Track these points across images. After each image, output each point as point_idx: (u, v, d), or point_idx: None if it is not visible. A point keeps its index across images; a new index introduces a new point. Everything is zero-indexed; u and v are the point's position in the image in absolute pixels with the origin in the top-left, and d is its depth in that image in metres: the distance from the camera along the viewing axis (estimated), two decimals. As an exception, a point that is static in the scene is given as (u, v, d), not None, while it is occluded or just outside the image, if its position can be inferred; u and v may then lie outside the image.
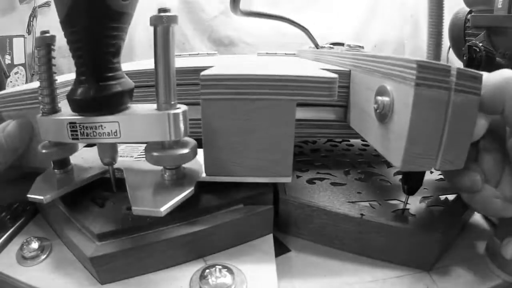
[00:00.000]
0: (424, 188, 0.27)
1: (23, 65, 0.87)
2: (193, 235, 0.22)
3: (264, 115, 0.23)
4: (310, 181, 0.28)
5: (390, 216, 0.24)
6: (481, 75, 0.19)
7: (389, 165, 0.32)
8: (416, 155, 0.20)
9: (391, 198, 0.26)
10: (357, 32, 0.93)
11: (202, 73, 0.23)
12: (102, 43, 0.20)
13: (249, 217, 0.24)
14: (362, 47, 0.44)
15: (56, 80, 0.23)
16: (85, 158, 0.29)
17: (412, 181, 0.24)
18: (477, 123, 0.20)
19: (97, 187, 0.26)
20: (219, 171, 0.24)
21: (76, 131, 0.22)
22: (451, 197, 0.27)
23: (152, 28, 0.20)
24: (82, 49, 0.20)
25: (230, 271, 0.21)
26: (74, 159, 0.27)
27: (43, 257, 0.24)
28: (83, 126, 0.22)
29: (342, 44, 0.50)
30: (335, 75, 0.23)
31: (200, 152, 0.24)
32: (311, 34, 0.52)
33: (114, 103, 0.21)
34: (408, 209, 0.25)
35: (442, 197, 0.27)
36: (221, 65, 0.32)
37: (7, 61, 0.84)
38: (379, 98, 0.22)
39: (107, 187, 0.26)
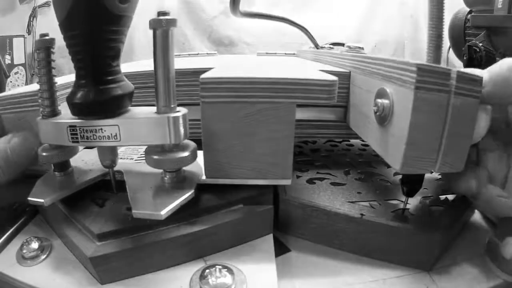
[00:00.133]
0: (424, 188, 0.27)
1: (23, 65, 0.87)
2: (193, 235, 0.22)
3: (264, 117, 0.23)
4: (310, 181, 0.29)
5: (390, 216, 0.24)
6: (481, 78, 0.19)
7: (389, 165, 0.32)
8: (416, 158, 0.20)
9: (391, 198, 0.26)
10: (357, 32, 0.93)
11: (202, 76, 0.23)
12: (102, 47, 0.20)
13: (249, 217, 0.24)
14: (362, 48, 0.44)
15: (56, 82, 0.23)
16: (86, 160, 0.29)
17: (411, 183, 0.24)
18: (478, 124, 0.20)
19: (98, 188, 0.26)
20: (219, 173, 0.24)
21: (76, 134, 0.22)
22: (451, 197, 0.27)
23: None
24: (82, 53, 0.20)
25: (230, 271, 0.21)
26: (75, 161, 0.27)
27: (43, 257, 0.24)
28: (83, 130, 0.22)
29: (342, 45, 0.50)
30: (335, 78, 0.23)
31: (200, 154, 0.24)
32: (310, 35, 0.52)
33: (114, 106, 0.21)
34: (408, 209, 0.25)
35: (442, 197, 0.27)
36: (221, 66, 0.32)
37: (7, 61, 0.84)
38: (379, 100, 0.22)
39: (107, 188, 0.26)
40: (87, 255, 0.20)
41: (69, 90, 0.22)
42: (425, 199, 0.26)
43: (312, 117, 0.32)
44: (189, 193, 0.22)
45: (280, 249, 0.25)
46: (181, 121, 0.21)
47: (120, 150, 0.31)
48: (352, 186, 0.28)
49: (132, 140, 0.21)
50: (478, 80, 0.19)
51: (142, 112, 0.22)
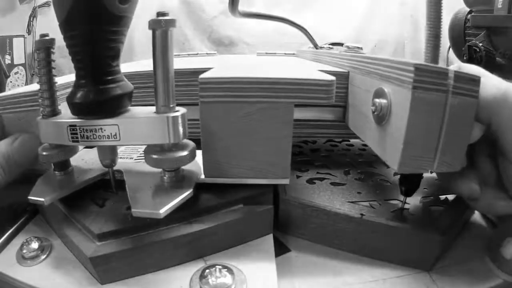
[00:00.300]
0: (424, 188, 0.27)
1: (23, 65, 0.87)
2: (193, 235, 0.22)
3: (262, 117, 0.23)
4: (310, 181, 0.29)
5: (390, 216, 0.24)
6: (479, 77, 0.19)
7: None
8: (413, 157, 0.20)
9: (391, 198, 0.26)
10: (357, 32, 0.93)
11: (201, 76, 0.23)
12: (101, 47, 0.20)
13: (249, 217, 0.24)
14: (361, 48, 0.44)
15: (56, 82, 0.23)
16: (86, 160, 0.29)
17: (409, 183, 0.24)
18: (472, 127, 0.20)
19: (97, 188, 0.26)
20: (218, 173, 0.24)
21: (76, 133, 0.22)
22: (451, 197, 0.27)
23: (151, 29, 0.20)
24: (81, 53, 0.20)
25: (230, 271, 0.21)
26: (75, 161, 0.27)
27: (43, 257, 0.24)
28: (83, 129, 0.22)
29: (341, 45, 0.50)
30: (332, 78, 0.23)
31: (199, 153, 0.24)
32: (310, 35, 0.52)
33: (113, 106, 0.21)
34: (408, 209, 0.25)
35: (442, 197, 0.27)
36: (220, 66, 0.32)
37: (7, 61, 0.84)
38: (377, 100, 0.22)
39: (107, 188, 0.26)
40: (87, 255, 0.20)
41: (69, 90, 0.22)
42: (425, 199, 0.26)
43: (311, 117, 0.32)
44: (188, 192, 0.22)
45: (280, 249, 0.25)
46: (180, 120, 0.21)
47: (120, 150, 0.31)
48: (352, 186, 0.28)
49: (132, 139, 0.22)
50: (476, 80, 0.19)
51: (141, 111, 0.22)
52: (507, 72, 0.52)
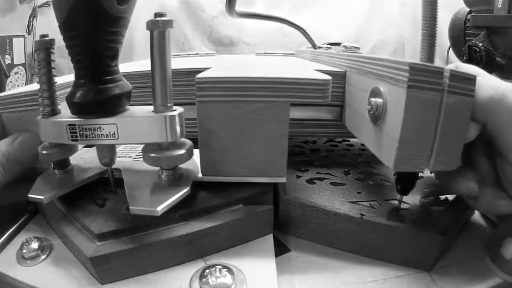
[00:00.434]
0: (424, 188, 0.27)
1: (23, 65, 0.87)
2: (193, 235, 0.22)
3: (259, 116, 0.23)
4: (310, 181, 0.29)
5: (390, 216, 0.24)
6: (475, 76, 0.19)
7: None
8: (409, 156, 0.20)
9: (391, 198, 0.26)
10: (357, 32, 0.93)
11: (198, 76, 0.23)
12: (100, 47, 0.21)
13: (249, 217, 0.24)
14: (358, 48, 0.45)
15: (56, 82, 0.24)
16: (85, 158, 0.29)
17: (405, 182, 0.24)
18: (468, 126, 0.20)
19: (97, 187, 0.26)
20: (215, 171, 0.25)
21: (76, 132, 0.22)
22: (451, 197, 0.27)
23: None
24: (81, 53, 0.21)
25: (230, 271, 0.21)
26: (74, 159, 0.27)
27: (43, 257, 0.24)
28: (82, 128, 0.22)
29: (339, 44, 0.50)
30: (328, 77, 0.23)
31: (196, 152, 0.24)
32: (308, 35, 0.52)
33: (112, 105, 0.22)
34: (406, 209, 0.25)
35: (442, 197, 0.27)
36: (218, 66, 0.32)
37: (7, 61, 0.84)
38: (373, 99, 0.22)
39: (107, 188, 0.26)
40: (87, 255, 0.20)
41: (68, 89, 0.22)
42: (425, 199, 0.26)
43: (309, 116, 0.32)
44: (185, 190, 0.22)
45: (280, 249, 0.25)
46: (177, 120, 0.21)
47: (119, 149, 0.31)
48: (352, 186, 0.28)
49: (130, 138, 0.22)
50: (471, 79, 0.19)
51: (139, 111, 0.22)
52: (507, 72, 0.52)
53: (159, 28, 0.20)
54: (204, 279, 0.20)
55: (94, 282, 0.21)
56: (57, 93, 0.24)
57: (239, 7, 0.40)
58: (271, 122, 0.23)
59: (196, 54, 0.61)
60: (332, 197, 0.26)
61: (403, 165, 0.20)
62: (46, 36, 0.23)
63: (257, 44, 0.90)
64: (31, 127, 0.27)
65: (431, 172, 0.28)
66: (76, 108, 0.22)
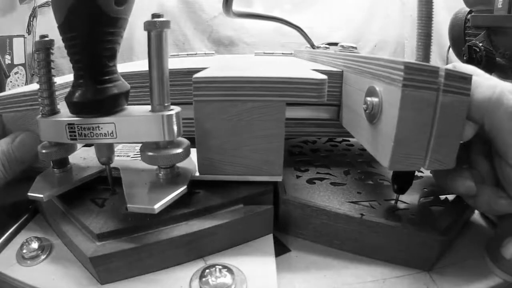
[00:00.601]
0: (424, 188, 0.27)
1: (23, 65, 0.87)
2: (193, 235, 0.22)
3: (255, 116, 0.23)
4: (310, 181, 0.29)
5: (390, 216, 0.24)
6: (470, 75, 0.19)
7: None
8: (404, 155, 0.20)
9: (391, 198, 0.26)
10: (357, 32, 0.93)
11: (195, 75, 0.24)
12: (99, 48, 0.21)
13: (249, 217, 0.24)
14: (355, 48, 0.45)
15: (55, 82, 0.24)
16: (84, 157, 0.29)
17: (401, 181, 0.24)
18: (465, 126, 0.20)
19: (97, 187, 0.26)
20: (212, 170, 0.25)
21: (74, 132, 0.22)
22: (451, 197, 0.27)
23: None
24: (79, 53, 0.21)
25: (230, 271, 0.21)
26: (73, 158, 0.27)
27: (43, 257, 0.24)
28: (81, 127, 0.22)
29: (337, 44, 0.50)
30: (324, 77, 0.23)
31: (194, 151, 0.25)
32: (306, 34, 0.52)
33: (110, 105, 0.22)
34: (407, 209, 0.25)
35: (442, 197, 0.27)
36: (216, 66, 0.32)
37: (7, 61, 0.84)
38: (368, 98, 0.22)
39: (107, 188, 0.26)
40: (87, 255, 0.20)
41: (67, 89, 0.22)
42: (425, 199, 0.26)
43: (307, 116, 0.32)
44: (182, 188, 0.22)
45: (280, 249, 0.25)
46: (174, 119, 0.22)
47: (117, 148, 0.32)
48: (352, 186, 0.28)
49: (128, 137, 0.22)
50: (467, 78, 0.19)
51: (137, 110, 0.23)
52: (507, 72, 0.52)
53: (156, 28, 0.20)
54: (204, 279, 0.20)
55: (94, 282, 0.21)
56: (57, 93, 0.24)
57: (238, 7, 0.40)
58: (267, 121, 0.24)
59: (195, 54, 0.61)
60: (332, 197, 0.26)
61: (399, 164, 0.20)
62: (46, 36, 0.23)
63: (257, 44, 0.90)
64: (30, 126, 0.28)
65: (431, 172, 0.28)
66: (75, 108, 0.22)
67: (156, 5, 0.88)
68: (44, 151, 0.24)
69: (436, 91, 0.19)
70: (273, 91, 0.23)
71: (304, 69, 0.31)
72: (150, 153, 0.22)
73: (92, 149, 0.26)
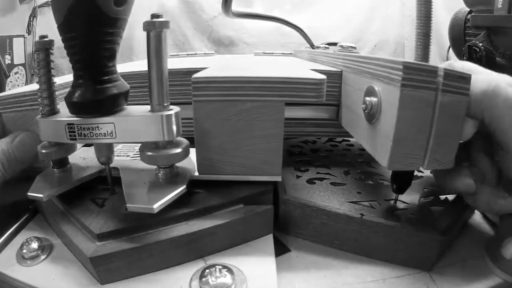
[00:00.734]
0: (424, 188, 0.27)
1: (23, 65, 0.87)
2: (193, 235, 0.22)
3: (254, 115, 0.23)
4: (310, 181, 0.29)
5: (390, 216, 0.24)
6: (469, 75, 0.19)
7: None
8: (403, 155, 0.20)
9: (391, 198, 0.26)
10: (358, 32, 0.93)
11: (194, 76, 0.24)
12: (98, 48, 0.21)
13: (249, 217, 0.24)
14: (355, 48, 0.45)
15: (55, 82, 0.24)
16: (84, 157, 0.29)
17: (400, 180, 0.24)
18: (465, 124, 0.20)
19: (97, 187, 0.26)
20: (211, 170, 0.25)
21: (74, 132, 0.22)
22: (451, 197, 0.27)
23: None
24: (79, 54, 0.21)
25: (230, 271, 0.21)
26: (73, 158, 0.27)
27: (43, 257, 0.24)
28: (81, 127, 0.22)
29: (336, 44, 0.50)
30: (323, 76, 0.23)
31: (193, 151, 0.25)
32: (306, 34, 0.52)
33: (110, 105, 0.22)
34: (407, 209, 0.25)
35: (442, 197, 0.27)
36: (215, 66, 0.32)
37: (7, 61, 0.84)
38: (367, 98, 0.22)
39: (107, 188, 0.26)
40: (87, 255, 0.20)
41: (67, 89, 0.22)
42: (425, 199, 0.26)
43: (306, 116, 0.32)
44: (181, 188, 0.22)
45: (280, 249, 0.25)
46: (173, 119, 0.22)
47: (117, 148, 0.32)
48: (352, 186, 0.28)
49: (127, 137, 0.22)
50: (466, 78, 0.19)
51: (136, 110, 0.23)
52: (507, 72, 0.52)
53: (155, 29, 0.20)
54: (204, 279, 0.20)
55: (94, 282, 0.21)
56: (56, 93, 0.24)
57: (238, 7, 0.40)
58: (266, 121, 0.24)
59: (195, 54, 0.61)
60: (332, 197, 0.26)
61: (398, 164, 0.20)
62: (46, 36, 0.23)
63: (257, 44, 0.90)
64: (30, 126, 0.28)
65: (430, 171, 0.28)
66: (75, 108, 0.22)
67: (156, 5, 0.88)
68: (44, 151, 0.24)
69: (435, 91, 0.19)
70: (272, 91, 0.23)
71: (303, 69, 0.31)
72: (149, 153, 0.22)
73: (91, 149, 0.26)
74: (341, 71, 0.29)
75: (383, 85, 0.21)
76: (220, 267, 0.21)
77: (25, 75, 0.87)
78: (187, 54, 0.60)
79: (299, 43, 0.64)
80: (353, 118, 0.27)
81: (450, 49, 0.70)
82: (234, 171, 0.25)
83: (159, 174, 0.24)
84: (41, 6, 0.87)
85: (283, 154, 0.25)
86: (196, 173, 0.25)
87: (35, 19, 0.87)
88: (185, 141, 0.24)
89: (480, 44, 0.54)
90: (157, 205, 0.20)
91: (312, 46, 0.52)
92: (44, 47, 0.23)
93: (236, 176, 0.25)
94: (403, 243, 0.23)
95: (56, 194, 0.24)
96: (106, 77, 0.22)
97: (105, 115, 0.22)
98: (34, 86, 0.26)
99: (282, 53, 0.61)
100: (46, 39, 0.23)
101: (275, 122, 0.24)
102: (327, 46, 0.50)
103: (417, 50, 0.41)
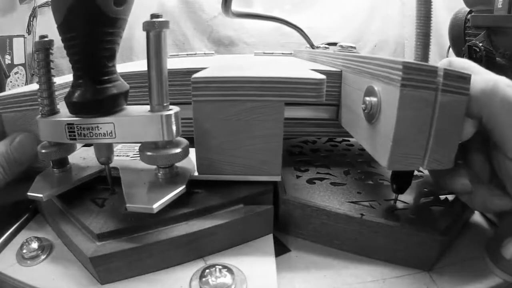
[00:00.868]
0: (424, 188, 0.27)
1: (23, 65, 0.87)
2: (193, 235, 0.22)
3: (253, 115, 0.23)
4: (310, 181, 0.28)
5: (390, 216, 0.24)
6: (469, 75, 0.19)
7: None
8: (403, 155, 0.20)
9: (391, 198, 0.26)
10: (358, 32, 0.93)
11: (193, 76, 0.24)
12: (98, 48, 0.21)
13: (249, 217, 0.24)
14: (354, 47, 0.45)
15: (55, 82, 0.24)
16: (84, 157, 0.29)
17: (400, 180, 0.24)
18: (465, 124, 0.20)
19: (97, 187, 0.26)
20: (211, 170, 0.25)
21: (74, 132, 0.23)
22: (451, 197, 0.27)
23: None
24: (79, 54, 0.21)
25: (230, 271, 0.21)
26: (73, 158, 0.27)
27: (43, 257, 0.24)
28: (80, 127, 0.22)
29: (336, 44, 0.50)
30: (322, 76, 0.23)
31: (193, 151, 0.25)
32: (305, 34, 0.52)
33: (109, 105, 0.22)
34: (407, 209, 0.25)
35: (442, 197, 0.27)
36: (215, 66, 0.32)
37: (7, 61, 0.84)
38: (367, 98, 0.22)
39: (107, 188, 0.26)
40: (87, 255, 0.20)
41: (67, 89, 0.22)
42: (425, 199, 0.26)
43: (306, 116, 0.32)
44: (181, 188, 0.22)
45: (280, 249, 0.25)
46: (173, 119, 0.22)
47: (117, 148, 0.32)
48: (352, 186, 0.28)
49: (127, 137, 0.22)
50: (466, 78, 0.19)
51: (136, 110, 0.23)
52: (507, 72, 0.52)
53: (155, 29, 0.20)
54: (204, 279, 0.20)
55: (94, 282, 0.21)
56: (56, 93, 0.24)
57: (238, 7, 0.40)
58: (266, 121, 0.24)
59: (195, 54, 0.61)
60: (332, 197, 0.26)
61: (398, 164, 0.20)
62: (45, 36, 0.23)
63: (257, 44, 0.90)
64: (29, 126, 0.28)
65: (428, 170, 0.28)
66: (74, 108, 0.22)
67: (156, 5, 0.88)
68: (43, 151, 0.24)
69: (434, 91, 0.19)
70: (271, 91, 0.23)
71: (303, 69, 0.31)
72: (149, 153, 0.22)
73: (91, 149, 0.26)
74: (341, 71, 0.29)
75: (382, 85, 0.21)
76: (220, 267, 0.21)
77: (25, 75, 0.87)
78: (187, 54, 0.61)
79: (299, 43, 0.64)
80: (353, 118, 0.27)
81: (450, 49, 0.70)
82: (233, 171, 0.25)
83: (159, 174, 0.24)
84: (41, 6, 0.87)
85: (283, 154, 0.25)
86: (196, 173, 0.25)
87: (35, 19, 0.87)
88: (184, 141, 0.24)
89: (480, 44, 0.54)
90: (156, 205, 0.20)
91: (312, 46, 0.52)
92: (44, 47, 0.23)
93: (236, 176, 0.25)
94: (403, 243, 0.23)
95: (56, 194, 0.24)
96: (106, 77, 0.22)
97: (105, 115, 0.22)
98: (34, 86, 0.27)
99: (282, 53, 0.61)
100: (46, 39, 0.23)
101: (274, 122, 0.24)
102: (327, 46, 0.50)
103: (416, 50, 0.41)
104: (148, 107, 0.22)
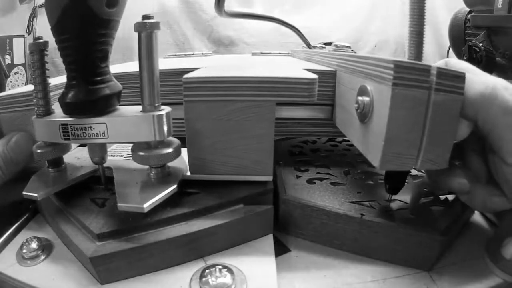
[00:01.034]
0: (424, 189, 0.27)
1: (23, 65, 0.87)
2: (193, 235, 0.22)
3: (245, 115, 0.24)
4: (310, 181, 0.28)
5: (390, 216, 0.24)
6: (464, 74, 0.19)
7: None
8: (395, 155, 0.20)
9: (390, 199, 0.26)
10: (358, 32, 0.93)
11: (185, 76, 0.24)
12: (91, 49, 0.21)
13: (249, 217, 0.24)
14: (349, 47, 0.45)
15: (50, 83, 0.24)
16: (79, 157, 0.30)
17: (393, 181, 0.24)
18: (460, 125, 0.20)
19: (98, 186, 0.27)
20: (203, 169, 0.25)
21: (68, 132, 0.23)
22: (451, 197, 0.27)
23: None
24: (72, 55, 0.21)
25: (230, 271, 0.21)
26: (68, 158, 0.28)
27: (43, 257, 0.24)
28: (74, 127, 0.22)
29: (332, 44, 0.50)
30: (314, 76, 0.23)
31: (185, 151, 0.25)
32: (302, 34, 0.52)
33: (102, 105, 0.22)
34: (407, 209, 0.25)
35: (442, 197, 0.27)
36: (208, 66, 0.32)
37: (7, 61, 0.84)
38: (360, 98, 0.22)
39: (107, 188, 0.26)
40: (87, 255, 0.20)
41: (61, 90, 0.23)
42: (425, 199, 0.26)
43: (303, 115, 0.32)
44: (172, 187, 0.22)
45: (280, 249, 0.25)
46: (164, 119, 0.22)
47: (111, 148, 0.32)
48: (352, 186, 0.28)
49: (119, 137, 0.22)
50: (460, 77, 0.19)
51: (128, 110, 0.23)
52: (507, 72, 0.52)
53: (146, 30, 0.20)
54: (204, 279, 0.20)
55: (94, 282, 0.21)
56: (51, 93, 0.24)
57: (239, 7, 0.40)
58: (257, 121, 0.24)
59: (193, 54, 0.61)
60: (332, 197, 0.26)
61: (390, 163, 0.20)
62: (40, 38, 0.23)
63: (257, 44, 0.91)
64: (28, 126, 0.28)
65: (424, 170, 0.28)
66: (68, 108, 0.22)
67: (156, 5, 0.88)
68: (39, 151, 0.24)
69: (427, 90, 0.19)
70: (263, 91, 0.23)
71: (296, 68, 0.31)
72: (141, 153, 0.22)
73: (86, 149, 0.26)
74: (335, 70, 0.29)
75: (375, 84, 0.21)
76: (220, 267, 0.21)
77: (25, 75, 0.87)
78: (185, 54, 0.61)
79: (298, 43, 0.64)
80: (346, 117, 0.27)
81: (450, 49, 0.70)
82: (226, 171, 0.25)
83: (151, 174, 0.24)
84: (41, 6, 0.87)
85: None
86: (188, 173, 0.26)
87: (35, 19, 0.88)
88: (176, 141, 0.24)
89: (480, 44, 0.54)
90: (147, 204, 0.20)
91: (308, 45, 0.52)
92: (38, 48, 0.23)
93: (228, 176, 0.25)
94: (403, 243, 0.23)
95: (51, 194, 0.24)
96: (99, 78, 0.22)
97: (98, 116, 0.22)
98: (31, 87, 0.27)
99: (280, 53, 0.61)
100: (40, 40, 0.23)
101: (266, 122, 0.24)
102: (323, 45, 0.50)
103: (410, 48, 0.41)
104: (140, 108, 0.22)
